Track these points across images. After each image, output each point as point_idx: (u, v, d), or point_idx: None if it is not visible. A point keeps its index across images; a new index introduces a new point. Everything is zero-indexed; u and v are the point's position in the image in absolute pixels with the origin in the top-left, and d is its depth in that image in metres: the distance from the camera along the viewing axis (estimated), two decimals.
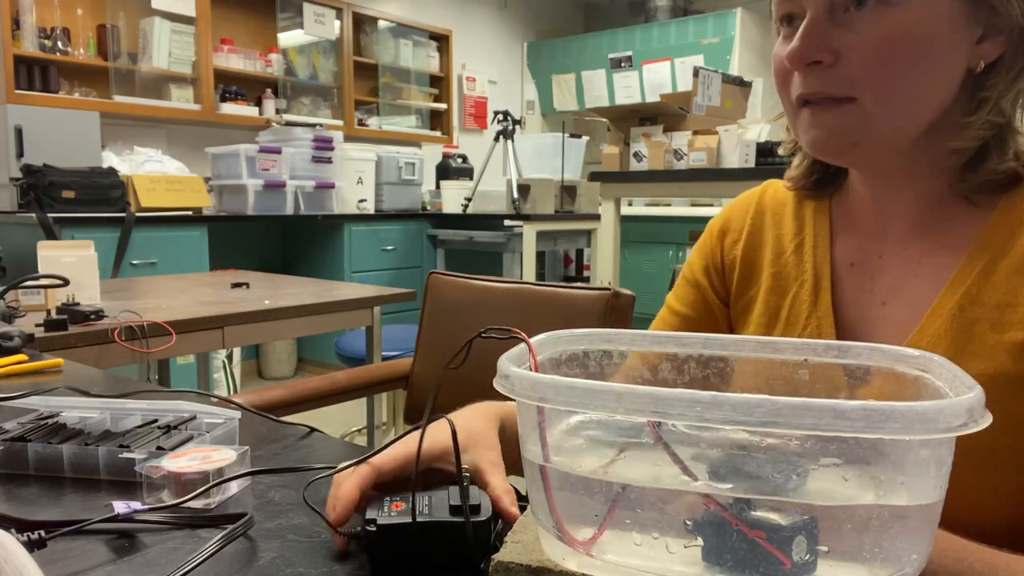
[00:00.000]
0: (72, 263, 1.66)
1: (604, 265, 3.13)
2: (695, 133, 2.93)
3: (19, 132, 3.31)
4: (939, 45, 0.60)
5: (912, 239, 0.70)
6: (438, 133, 5.80)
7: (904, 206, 0.70)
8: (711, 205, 4.89)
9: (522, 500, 0.60)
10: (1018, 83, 0.63)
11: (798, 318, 0.74)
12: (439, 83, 5.84)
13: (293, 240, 4.63)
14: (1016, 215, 0.64)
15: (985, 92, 0.63)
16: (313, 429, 0.85)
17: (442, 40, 5.77)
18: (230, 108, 4.41)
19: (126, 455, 0.69)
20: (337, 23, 4.94)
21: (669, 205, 5.07)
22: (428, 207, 5.03)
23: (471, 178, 4.97)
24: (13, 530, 0.52)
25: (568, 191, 4.44)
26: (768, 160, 2.71)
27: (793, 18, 0.65)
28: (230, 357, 3.65)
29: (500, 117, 4.57)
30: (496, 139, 4.55)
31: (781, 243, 0.79)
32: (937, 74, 0.61)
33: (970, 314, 0.63)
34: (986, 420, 0.39)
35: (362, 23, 5.24)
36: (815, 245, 0.76)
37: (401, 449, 0.59)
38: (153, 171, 3.70)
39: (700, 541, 0.42)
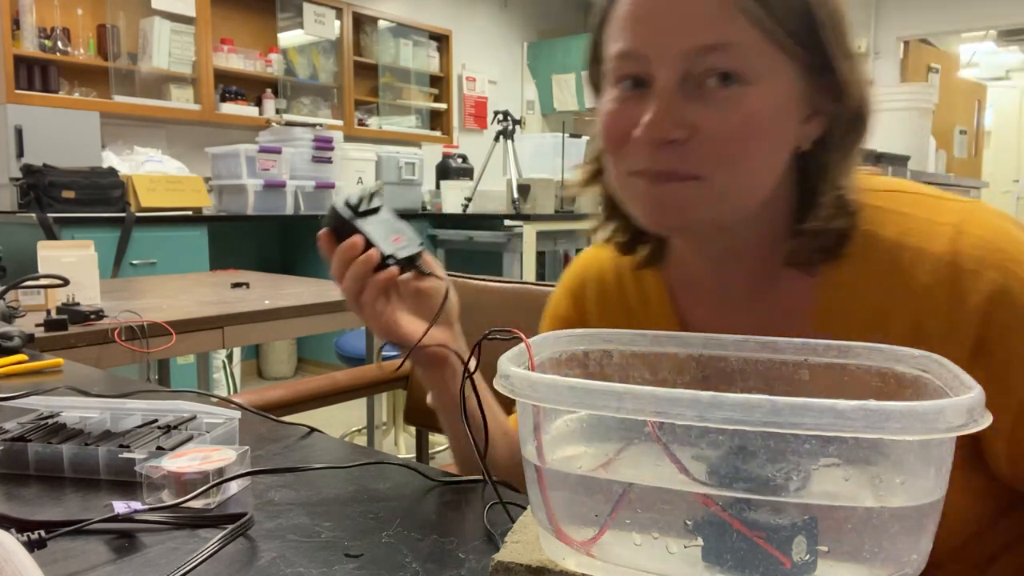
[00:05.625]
0: (72, 263, 1.65)
1: None
2: None
3: (19, 132, 3.31)
4: (782, 124, 0.60)
5: (753, 306, 0.69)
6: (438, 133, 5.80)
7: (739, 275, 0.68)
8: None
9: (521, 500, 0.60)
10: (847, 160, 0.62)
11: None
12: (439, 83, 5.84)
13: (293, 240, 4.63)
14: (840, 280, 0.63)
15: (822, 170, 0.62)
16: (313, 429, 0.85)
17: (442, 40, 5.77)
18: (230, 108, 4.41)
19: (126, 455, 0.69)
20: (337, 23, 4.94)
21: None
22: (428, 207, 5.02)
23: (471, 178, 4.97)
24: (13, 530, 0.52)
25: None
26: None
27: (638, 80, 0.61)
28: (230, 357, 3.65)
29: (500, 117, 4.57)
30: (496, 139, 4.55)
31: (634, 318, 0.76)
32: (778, 153, 0.61)
33: None
34: (986, 420, 0.39)
35: (362, 23, 5.24)
36: (661, 315, 0.74)
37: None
38: (153, 171, 3.69)
39: (700, 541, 0.42)
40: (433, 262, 0.77)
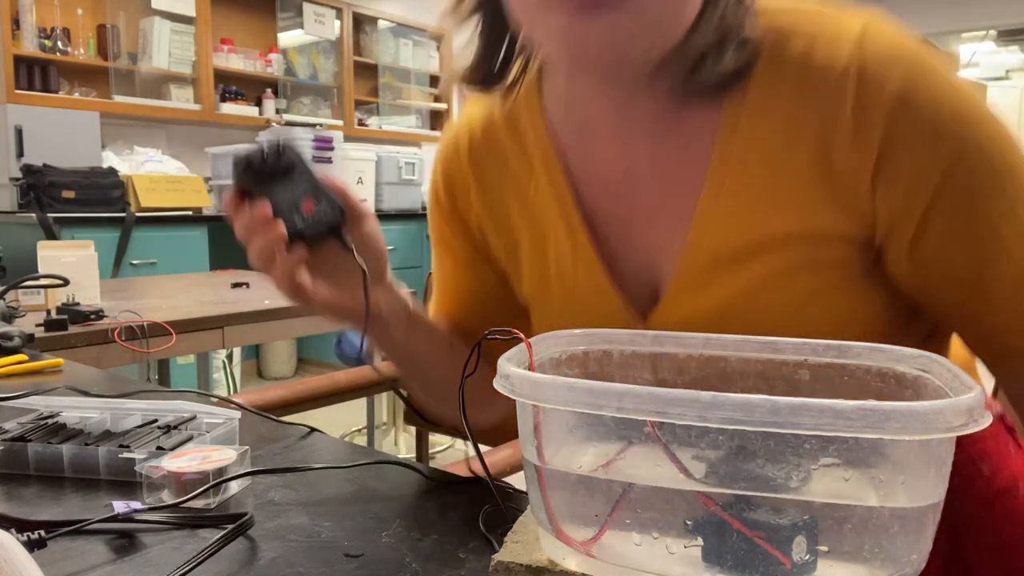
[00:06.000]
0: (72, 263, 1.66)
1: None
2: None
3: (19, 132, 3.31)
4: None
5: (654, 141, 0.64)
6: (438, 133, 5.80)
7: (643, 111, 0.64)
8: None
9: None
10: None
11: (564, 269, 0.70)
12: (439, 83, 5.84)
13: None
14: (745, 104, 0.60)
15: None
16: (313, 429, 0.85)
17: (442, 40, 5.77)
18: (230, 108, 4.41)
19: (126, 455, 0.69)
20: (337, 23, 4.94)
21: None
22: None
23: None
24: (13, 530, 0.52)
25: None
26: None
27: None
28: (230, 357, 3.65)
29: None
30: None
31: (518, 182, 0.71)
32: None
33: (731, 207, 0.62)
34: (986, 420, 0.39)
35: (362, 23, 5.24)
36: (541, 161, 0.69)
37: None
38: (153, 171, 3.70)
39: (700, 541, 0.42)
40: (369, 220, 0.68)
